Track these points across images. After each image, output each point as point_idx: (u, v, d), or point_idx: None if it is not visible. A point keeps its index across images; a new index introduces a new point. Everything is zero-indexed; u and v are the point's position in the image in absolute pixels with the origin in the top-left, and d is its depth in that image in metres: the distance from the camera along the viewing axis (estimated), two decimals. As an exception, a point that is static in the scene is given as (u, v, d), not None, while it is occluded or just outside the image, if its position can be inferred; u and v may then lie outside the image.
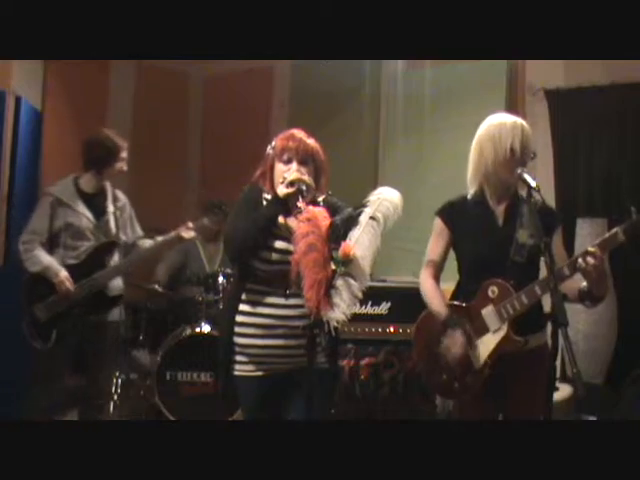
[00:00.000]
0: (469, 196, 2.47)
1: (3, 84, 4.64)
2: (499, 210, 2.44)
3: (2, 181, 4.58)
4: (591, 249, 2.19)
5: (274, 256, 2.36)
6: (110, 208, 3.55)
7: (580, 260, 2.19)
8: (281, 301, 2.37)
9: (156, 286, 4.91)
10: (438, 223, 2.53)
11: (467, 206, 2.47)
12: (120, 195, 3.64)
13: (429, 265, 2.55)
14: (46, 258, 3.39)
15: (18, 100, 4.70)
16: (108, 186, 3.59)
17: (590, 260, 2.17)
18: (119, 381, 4.72)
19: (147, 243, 3.65)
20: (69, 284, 3.36)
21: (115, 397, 4.65)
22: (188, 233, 3.60)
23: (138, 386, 4.90)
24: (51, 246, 3.44)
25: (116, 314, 3.61)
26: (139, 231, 3.71)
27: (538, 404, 2.22)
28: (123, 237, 3.60)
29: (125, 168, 3.57)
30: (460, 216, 2.48)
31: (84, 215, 3.45)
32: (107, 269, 3.47)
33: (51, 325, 3.39)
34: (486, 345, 2.36)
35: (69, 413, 3.64)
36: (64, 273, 3.37)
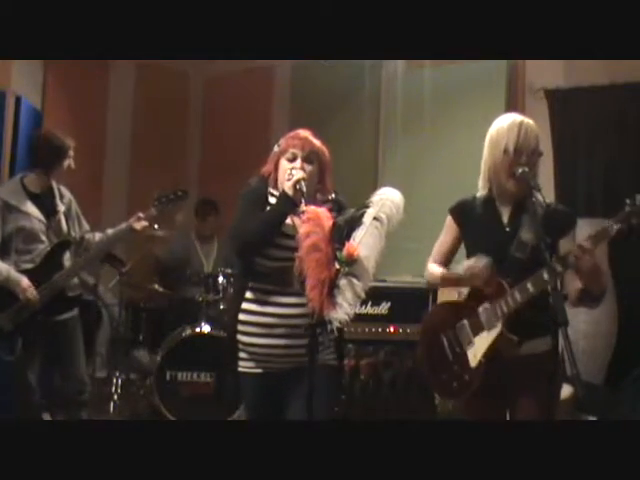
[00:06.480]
0: (478, 195, 2.47)
1: (3, 84, 4.64)
2: (506, 210, 2.43)
3: (2, 181, 4.58)
4: (581, 243, 2.14)
5: (277, 253, 2.37)
6: (60, 207, 3.42)
7: (571, 255, 2.14)
8: (283, 300, 2.38)
9: (156, 286, 4.92)
10: (449, 220, 2.55)
11: (476, 205, 2.47)
12: (65, 192, 3.50)
13: (435, 259, 2.56)
14: (3, 267, 3.23)
15: (18, 100, 4.71)
16: (54, 184, 3.45)
17: (580, 254, 2.12)
18: (119, 381, 4.73)
19: (97, 236, 3.52)
20: (32, 291, 3.24)
21: (115, 397, 4.66)
22: (140, 224, 3.44)
23: (138, 386, 4.91)
24: (2, 252, 3.27)
25: (74, 310, 3.51)
26: (86, 225, 3.58)
27: (541, 409, 2.22)
28: (73, 234, 3.48)
29: (73, 165, 3.43)
30: (469, 214, 2.48)
31: (35, 216, 3.31)
32: (66, 269, 3.36)
33: (16, 334, 3.27)
34: (481, 343, 2.34)
35: (58, 413, 3.60)
36: (26, 281, 3.24)
